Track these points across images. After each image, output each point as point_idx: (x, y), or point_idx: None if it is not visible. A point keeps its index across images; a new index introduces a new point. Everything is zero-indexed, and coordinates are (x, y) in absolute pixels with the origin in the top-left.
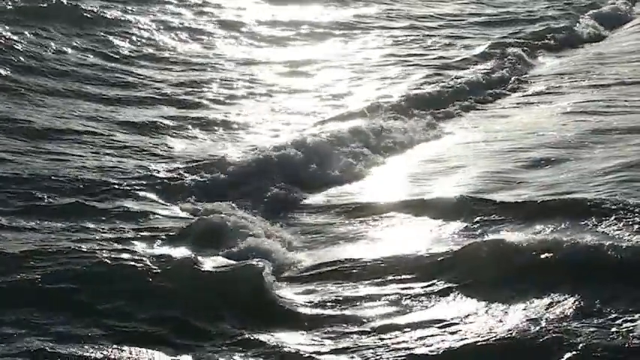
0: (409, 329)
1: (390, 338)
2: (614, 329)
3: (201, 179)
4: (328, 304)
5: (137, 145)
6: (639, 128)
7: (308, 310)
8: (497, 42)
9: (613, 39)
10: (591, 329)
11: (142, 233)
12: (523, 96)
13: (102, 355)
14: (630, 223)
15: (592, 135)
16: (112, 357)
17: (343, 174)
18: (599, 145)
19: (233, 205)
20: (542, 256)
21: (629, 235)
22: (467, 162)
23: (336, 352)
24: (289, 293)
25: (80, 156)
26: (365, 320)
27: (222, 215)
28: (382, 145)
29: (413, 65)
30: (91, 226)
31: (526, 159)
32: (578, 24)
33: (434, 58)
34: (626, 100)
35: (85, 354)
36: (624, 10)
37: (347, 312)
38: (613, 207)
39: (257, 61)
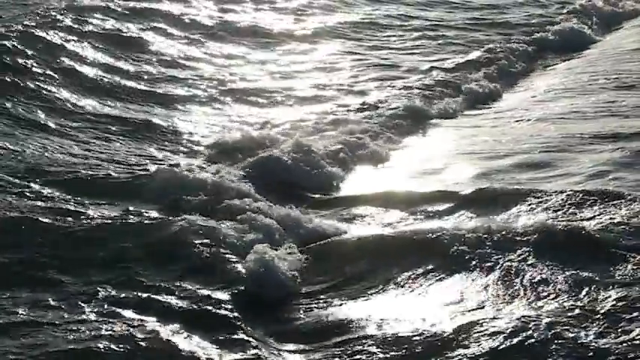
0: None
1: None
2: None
3: (209, 170)
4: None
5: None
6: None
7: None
8: (482, 49)
9: (606, 43)
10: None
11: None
12: (506, 104)
13: (79, 323)
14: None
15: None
16: (96, 327)
17: (337, 173)
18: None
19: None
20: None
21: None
22: (448, 165)
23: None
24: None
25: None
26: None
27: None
28: (362, 151)
29: (396, 70)
30: (89, 202)
31: (509, 162)
32: (571, 28)
33: (416, 62)
34: (610, 107)
35: (61, 322)
36: (622, 9)
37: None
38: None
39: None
